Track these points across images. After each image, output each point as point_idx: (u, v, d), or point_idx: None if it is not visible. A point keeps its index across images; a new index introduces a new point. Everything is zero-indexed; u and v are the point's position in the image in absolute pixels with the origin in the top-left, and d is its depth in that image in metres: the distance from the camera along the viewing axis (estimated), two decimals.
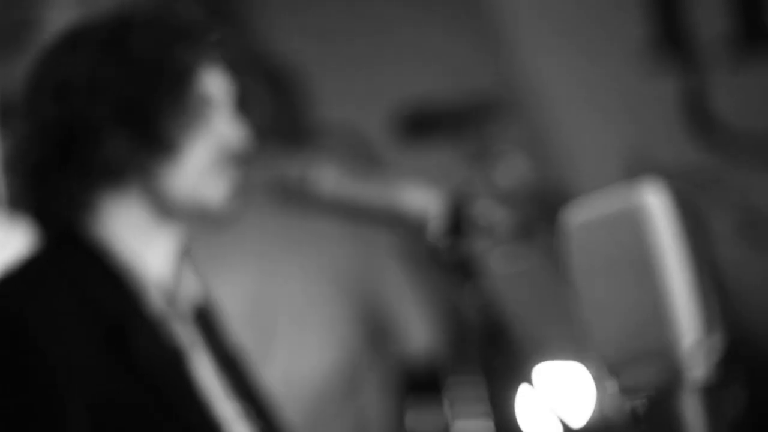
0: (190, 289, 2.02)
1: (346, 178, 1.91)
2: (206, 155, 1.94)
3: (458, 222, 1.83)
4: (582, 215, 1.26)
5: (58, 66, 1.92)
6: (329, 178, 1.90)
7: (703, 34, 5.11)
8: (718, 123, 5.09)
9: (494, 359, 1.82)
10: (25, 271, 1.91)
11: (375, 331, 4.09)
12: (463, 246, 1.84)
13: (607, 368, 1.27)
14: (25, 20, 5.51)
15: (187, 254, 2.04)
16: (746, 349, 5.20)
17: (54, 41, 1.98)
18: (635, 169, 4.52)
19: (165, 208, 1.93)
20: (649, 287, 1.22)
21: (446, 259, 1.84)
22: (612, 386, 1.30)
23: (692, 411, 1.25)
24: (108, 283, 1.90)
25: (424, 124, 3.19)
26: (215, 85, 1.98)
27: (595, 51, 5.33)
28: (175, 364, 1.91)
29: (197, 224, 1.99)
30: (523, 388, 1.80)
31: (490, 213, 1.85)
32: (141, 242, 1.93)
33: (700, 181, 4.24)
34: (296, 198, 1.93)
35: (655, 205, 1.26)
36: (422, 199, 1.86)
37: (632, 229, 1.21)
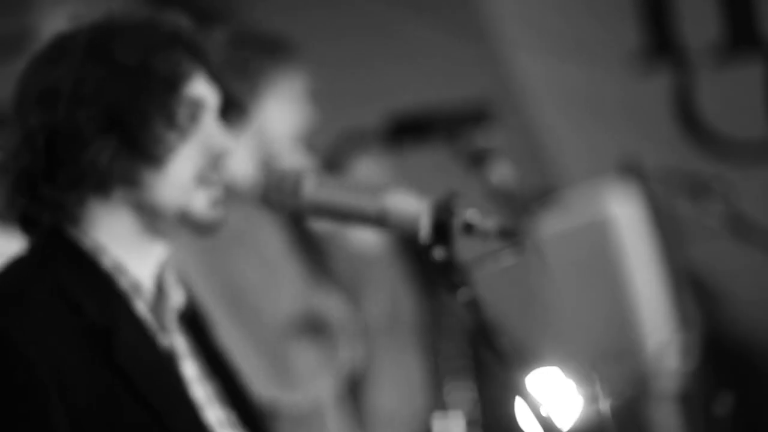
0: (176, 297, 2.00)
1: (333, 182, 1.92)
2: (193, 163, 1.92)
3: (445, 228, 1.84)
4: (553, 226, 1.33)
5: (43, 73, 1.90)
6: (318, 181, 1.91)
7: (692, 39, 5.16)
8: (705, 125, 5.15)
9: (484, 359, 1.84)
10: (9, 278, 1.90)
11: None
12: (451, 251, 1.84)
13: (581, 367, 1.33)
14: (20, 29, 5.56)
15: (169, 262, 2.02)
16: (736, 346, 5.26)
17: (41, 49, 1.96)
18: (627, 171, 4.55)
19: (152, 217, 1.92)
20: (614, 292, 1.28)
21: (434, 263, 1.85)
22: (588, 390, 1.35)
23: (665, 415, 1.32)
24: (95, 288, 1.89)
25: (415, 129, 3.21)
26: (201, 90, 1.96)
27: (587, 56, 5.37)
28: (163, 369, 1.91)
29: (183, 232, 1.95)
30: (514, 391, 1.83)
31: (480, 219, 1.85)
32: (127, 250, 1.92)
33: (689, 181, 4.28)
34: (289, 201, 1.91)
35: (620, 215, 1.32)
36: (410, 205, 1.87)
37: (597, 240, 1.27)
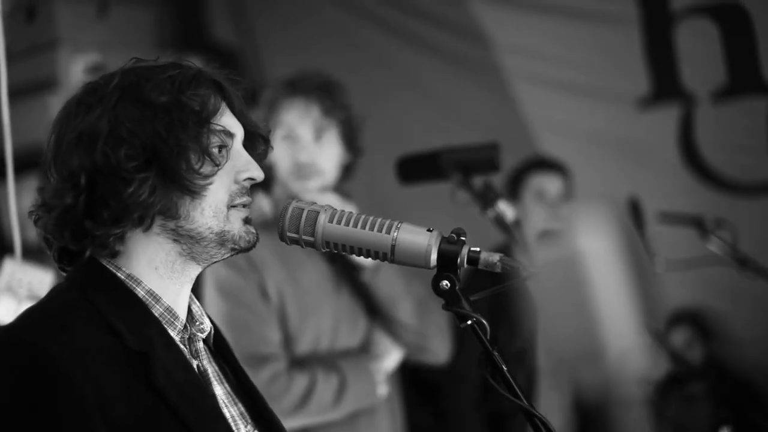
0: (205, 323, 2.09)
1: (346, 217, 1.98)
2: (226, 190, 1.99)
3: (451, 261, 1.93)
4: (537, 257, 1.52)
5: (80, 117, 1.97)
6: (332, 216, 1.97)
7: (695, 84, 5.24)
8: (706, 162, 5.23)
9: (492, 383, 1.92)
10: (52, 306, 1.97)
11: None
12: (457, 282, 1.92)
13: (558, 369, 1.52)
14: (43, 76, 5.71)
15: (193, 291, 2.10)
16: (737, 376, 5.35)
17: (75, 95, 2.04)
18: (634, 205, 4.65)
19: (189, 244, 1.99)
20: (583, 311, 1.46)
21: (441, 293, 1.94)
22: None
23: (634, 422, 1.49)
24: (132, 315, 1.95)
25: (427, 171, 3.28)
26: (229, 121, 2.04)
27: (596, 99, 5.45)
28: (198, 390, 1.97)
29: (219, 254, 2.02)
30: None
31: (484, 252, 1.92)
32: (162, 277, 2.00)
33: (696, 217, 4.38)
34: (304, 237, 1.99)
35: (588, 249, 1.50)
36: (419, 238, 1.95)
37: (571, 270, 1.45)
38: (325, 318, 3.33)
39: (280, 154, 3.36)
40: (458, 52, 5.80)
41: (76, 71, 5.61)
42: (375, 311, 3.40)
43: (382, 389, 3.38)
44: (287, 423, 3.24)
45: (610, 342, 1.50)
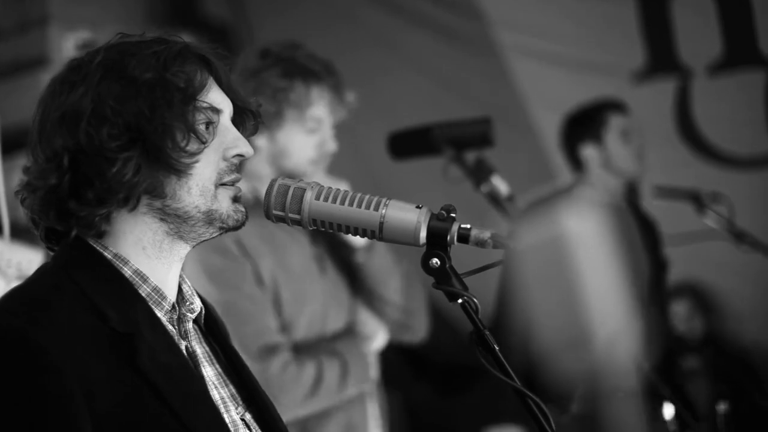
0: (195, 304, 2.05)
1: (333, 194, 1.94)
2: (213, 168, 1.96)
3: (441, 238, 1.89)
4: (522, 239, 1.48)
5: (63, 96, 1.93)
6: (318, 194, 1.94)
7: (691, 57, 5.22)
8: (702, 135, 5.21)
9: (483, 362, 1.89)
10: (36, 286, 1.94)
11: None
12: (447, 260, 1.89)
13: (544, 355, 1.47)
14: (33, 54, 5.68)
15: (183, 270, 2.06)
16: (736, 351, 5.34)
17: (58, 73, 2.00)
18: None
19: (177, 223, 1.96)
20: (569, 294, 1.42)
21: (431, 271, 1.90)
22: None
23: (625, 414, 1.45)
24: (118, 295, 1.92)
25: (419, 146, 3.23)
26: (215, 98, 2.00)
27: (591, 73, 5.42)
28: (184, 372, 1.94)
29: (207, 232, 1.98)
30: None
31: (475, 229, 1.90)
32: (150, 257, 1.97)
33: (693, 191, 4.36)
34: (290, 214, 1.96)
35: (575, 230, 1.47)
36: (407, 215, 1.91)
37: (555, 252, 1.41)
38: (316, 302, 3.29)
39: (301, 144, 3.27)
40: (453, 27, 5.76)
41: (67, 48, 5.57)
42: (358, 290, 3.37)
43: (374, 371, 3.35)
44: (299, 412, 3.19)
45: (597, 327, 1.46)
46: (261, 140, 3.22)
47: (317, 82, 3.25)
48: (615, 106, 4.56)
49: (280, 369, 3.15)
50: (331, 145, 3.26)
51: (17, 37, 5.67)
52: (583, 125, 4.46)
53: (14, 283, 2.98)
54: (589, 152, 4.37)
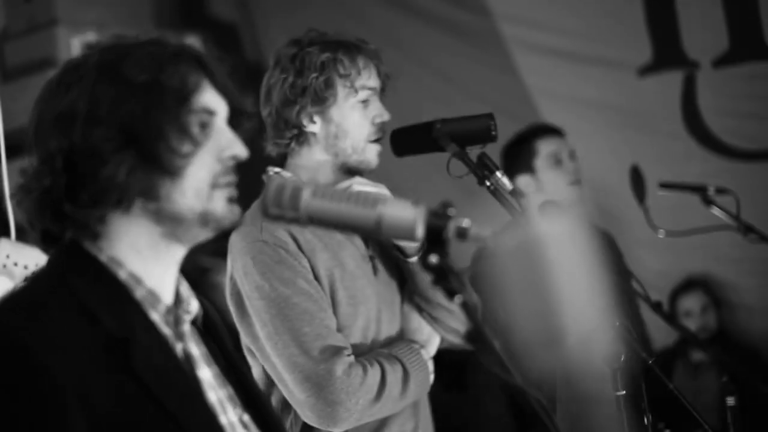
0: (192, 305, 2.05)
1: (330, 192, 1.94)
2: (208, 170, 1.96)
3: (439, 235, 1.89)
4: (500, 245, 1.50)
5: (58, 97, 1.94)
6: (315, 192, 1.93)
7: (697, 50, 5.22)
8: (708, 128, 5.21)
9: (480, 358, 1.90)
10: (30, 291, 1.93)
11: None
12: (445, 257, 1.89)
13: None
14: (40, 57, 5.70)
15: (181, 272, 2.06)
16: (744, 344, 5.33)
17: (54, 75, 2.01)
18: (636, 173, 4.62)
19: (172, 225, 1.96)
20: (544, 295, 1.45)
21: (429, 269, 1.89)
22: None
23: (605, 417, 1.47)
24: (112, 299, 1.93)
25: (422, 143, 3.21)
26: (210, 99, 2.00)
27: (598, 67, 5.43)
28: (180, 375, 1.94)
29: (202, 234, 1.98)
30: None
31: (473, 225, 1.89)
32: (145, 260, 1.97)
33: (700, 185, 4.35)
34: (288, 213, 1.95)
35: (549, 234, 1.49)
36: (405, 213, 1.90)
37: (530, 255, 1.44)
38: (371, 304, 3.14)
39: (357, 119, 3.14)
40: (460, 23, 5.77)
41: (75, 50, 5.60)
42: (410, 295, 3.17)
43: (432, 379, 3.23)
44: (365, 419, 3.11)
45: (570, 326, 1.48)
46: (314, 126, 3.12)
47: (359, 52, 3.20)
48: (544, 131, 4.56)
49: (344, 372, 3.01)
50: (385, 115, 3.15)
51: (25, 40, 5.70)
52: (516, 157, 4.47)
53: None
54: (524, 182, 4.38)
